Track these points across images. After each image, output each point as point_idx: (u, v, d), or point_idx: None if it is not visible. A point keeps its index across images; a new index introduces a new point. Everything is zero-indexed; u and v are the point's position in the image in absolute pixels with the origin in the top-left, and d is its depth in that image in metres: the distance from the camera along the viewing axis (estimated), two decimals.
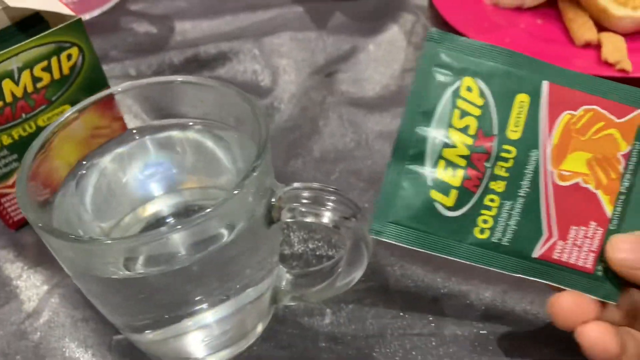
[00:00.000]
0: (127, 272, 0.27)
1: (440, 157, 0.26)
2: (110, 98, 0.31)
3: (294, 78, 0.52)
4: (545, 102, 0.26)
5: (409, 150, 0.26)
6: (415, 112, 0.26)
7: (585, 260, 0.26)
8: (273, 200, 0.28)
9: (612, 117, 0.26)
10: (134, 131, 0.32)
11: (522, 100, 0.26)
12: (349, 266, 0.29)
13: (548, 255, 0.26)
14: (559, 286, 0.27)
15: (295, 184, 0.28)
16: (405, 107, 0.26)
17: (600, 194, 0.26)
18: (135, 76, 0.54)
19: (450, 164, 0.26)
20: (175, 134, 0.33)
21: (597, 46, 0.51)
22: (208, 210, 0.24)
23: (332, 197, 0.28)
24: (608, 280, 0.26)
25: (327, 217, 0.27)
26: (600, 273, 0.26)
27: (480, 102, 0.26)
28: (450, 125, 0.26)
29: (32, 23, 0.38)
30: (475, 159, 0.26)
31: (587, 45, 0.52)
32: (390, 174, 0.26)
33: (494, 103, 0.26)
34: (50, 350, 0.34)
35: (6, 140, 0.37)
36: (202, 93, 0.31)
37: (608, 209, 0.26)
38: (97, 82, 0.39)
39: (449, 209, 0.26)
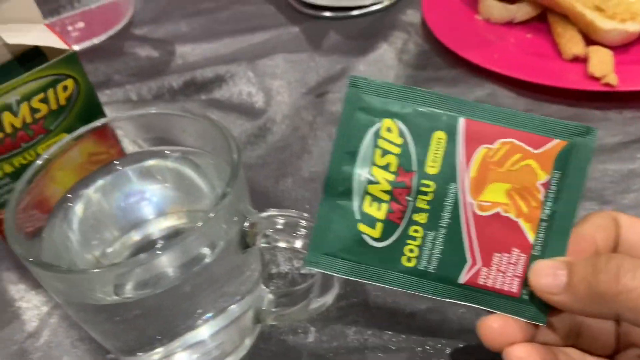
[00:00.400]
0: (116, 297, 0.28)
1: (366, 192, 0.27)
2: (99, 129, 0.33)
3: (287, 99, 0.54)
4: (461, 138, 0.27)
5: (338, 187, 0.28)
6: (342, 152, 0.28)
7: (511, 284, 0.27)
8: (246, 225, 0.29)
9: (529, 148, 0.27)
10: (116, 162, 0.34)
11: (439, 137, 0.27)
12: (321, 290, 0.31)
13: (473, 281, 0.28)
14: (488, 309, 0.28)
15: (271, 211, 0.30)
16: (333, 147, 0.28)
17: (521, 222, 0.27)
18: (136, 101, 0.56)
19: (375, 198, 0.27)
20: (155, 163, 0.34)
21: (586, 60, 0.51)
22: (178, 238, 0.26)
23: (304, 223, 0.29)
24: (534, 303, 0.27)
25: (298, 243, 0.29)
26: (526, 296, 0.27)
27: (399, 141, 0.27)
28: (373, 164, 0.27)
29: (32, 56, 0.40)
30: (397, 194, 0.27)
31: (576, 59, 0.52)
32: (322, 210, 0.28)
33: (412, 141, 0.27)
34: None
35: (8, 169, 0.39)
36: (182, 123, 0.33)
37: (530, 236, 0.27)
38: (93, 110, 0.41)
39: (376, 240, 0.28)
